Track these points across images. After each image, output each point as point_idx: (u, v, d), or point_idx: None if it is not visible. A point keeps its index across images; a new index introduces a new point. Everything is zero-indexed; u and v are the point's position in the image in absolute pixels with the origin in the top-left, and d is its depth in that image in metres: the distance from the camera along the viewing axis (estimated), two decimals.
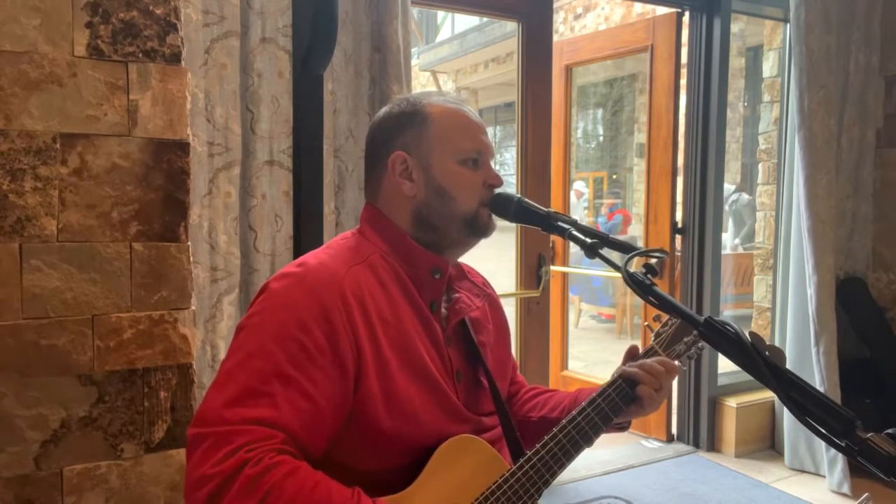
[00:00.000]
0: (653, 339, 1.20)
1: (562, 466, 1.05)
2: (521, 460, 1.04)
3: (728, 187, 7.01)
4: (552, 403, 1.24)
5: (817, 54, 3.05)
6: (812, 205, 3.04)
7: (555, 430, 1.06)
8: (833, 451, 2.85)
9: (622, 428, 1.18)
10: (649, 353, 1.18)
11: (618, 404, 1.10)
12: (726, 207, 7.14)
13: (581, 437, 1.07)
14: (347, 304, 0.97)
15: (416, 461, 1.00)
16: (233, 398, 0.89)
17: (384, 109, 1.15)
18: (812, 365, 3.05)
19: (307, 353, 0.92)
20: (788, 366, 0.78)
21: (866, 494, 0.96)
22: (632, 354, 1.18)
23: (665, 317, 1.21)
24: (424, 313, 1.07)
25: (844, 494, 2.94)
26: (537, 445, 1.05)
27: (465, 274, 1.22)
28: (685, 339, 1.19)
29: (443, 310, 1.12)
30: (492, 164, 1.13)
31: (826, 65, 3.09)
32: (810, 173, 3.04)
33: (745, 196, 7.14)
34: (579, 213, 8.99)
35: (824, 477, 3.10)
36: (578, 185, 9.29)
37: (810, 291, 3.05)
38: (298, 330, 0.93)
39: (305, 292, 0.96)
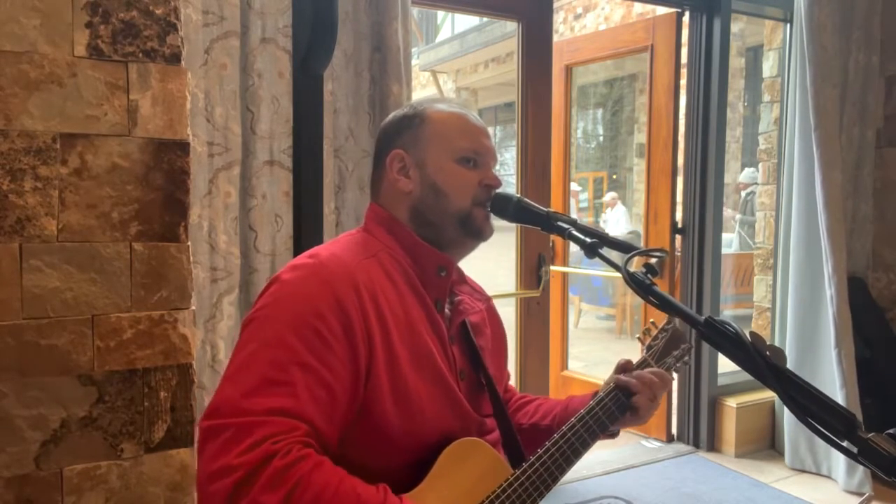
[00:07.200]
0: (645, 351, 1.24)
1: (562, 472, 1.07)
2: (525, 465, 1.04)
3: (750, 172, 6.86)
4: (543, 411, 1.26)
5: (830, 52, 3.05)
6: (829, 204, 3.02)
7: (556, 436, 1.08)
8: None
9: (612, 435, 1.21)
10: (642, 365, 1.22)
11: (613, 412, 1.14)
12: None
13: (580, 443, 1.09)
14: (360, 295, 0.97)
15: (421, 460, 1.00)
16: (251, 388, 0.87)
17: (391, 114, 1.19)
18: (833, 367, 3.02)
19: (324, 340, 0.91)
20: (790, 366, 0.79)
21: (867, 494, 0.97)
22: (624, 368, 1.21)
23: (654, 330, 1.27)
24: (431, 310, 1.07)
25: (861, 494, 2.91)
26: (539, 451, 1.06)
27: (464, 278, 1.23)
28: (674, 353, 1.25)
29: (446, 310, 1.12)
30: (495, 168, 1.14)
31: (836, 64, 3.10)
32: (827, 173, 3.02)
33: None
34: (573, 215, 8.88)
35: (826, 477, 3.09)
36: (573, 187, 9.22)
37: (830, 292, 3.02)
38: (315, 318, 0.92)
39: (320, 282, 0.96)
